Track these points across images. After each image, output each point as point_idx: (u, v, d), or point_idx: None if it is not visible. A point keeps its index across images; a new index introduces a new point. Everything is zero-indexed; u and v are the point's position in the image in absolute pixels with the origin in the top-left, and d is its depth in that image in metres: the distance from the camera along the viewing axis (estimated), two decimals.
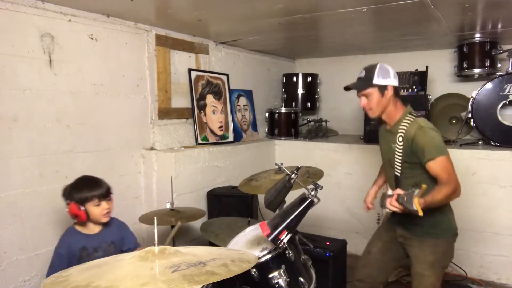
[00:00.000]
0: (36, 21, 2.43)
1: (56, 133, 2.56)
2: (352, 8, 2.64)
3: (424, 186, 1.74)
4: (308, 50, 4.56)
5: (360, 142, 3.99)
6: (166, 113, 3.30)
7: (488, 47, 3.61)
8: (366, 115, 3.92)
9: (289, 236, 1.77)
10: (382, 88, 2.08)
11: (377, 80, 2.08)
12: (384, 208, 2.00)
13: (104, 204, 2.01)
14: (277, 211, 1.95)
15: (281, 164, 2.18)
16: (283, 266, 1.83)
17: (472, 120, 3.45)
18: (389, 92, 2.09)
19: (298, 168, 1.95)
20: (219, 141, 3.74)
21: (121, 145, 2.99)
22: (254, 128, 4.33)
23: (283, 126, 4.38)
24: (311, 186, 1.88)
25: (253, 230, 2.16)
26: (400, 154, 2.08)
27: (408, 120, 2.08)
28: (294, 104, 4.59)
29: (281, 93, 4.79)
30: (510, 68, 3.42)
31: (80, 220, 1.98)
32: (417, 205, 1.74)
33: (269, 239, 1.77)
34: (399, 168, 2.11)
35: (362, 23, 3.13)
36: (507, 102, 3.36)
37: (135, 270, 1.13)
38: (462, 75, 3.91)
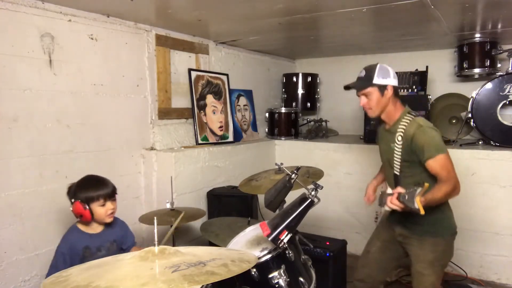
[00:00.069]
0: (36, 21, 2.43)
1: (56, 133, 2.56)
2: (352, 8, 2.64)
3: (426, 184, 1.74)
4: (308, 50, 4.56)
5: (360, 142, 3.99)
6: (166, 113, 3.30)
7: (488, 47, 3.61)
8: (366, 115, 3.92)
9: (289, 236, 1.77)
10: (382, 88, 2.09)
11: (377, 79, 2.09)
12: (383, 206, 2.00)
13: (109, 204, 2.01)
14: (277, 211, 1.95)
15: (281, 164, 2.18)
16: (283, 266, 1.83)
17: (472, 120, 3.45)
18: (389, 92, 2.10)
19: (298, 168, 1.95)
20: (219, 141, 3.74)
21: (121, 145, 2.99)
22: (254, 128, 4.33)
23: (283, 126, 4.38)
24: (311, 186, 1.88)
25: (253, 230, 2.16)
26: (399, 153, 2.08)
27: (407, 119, 2.09)
28: (294, 104, 4.59)
29: (281, 93, 4.79)
30: (510, 68, 3.42)
31: (84, 219, 1.98)
32: (419, 203, 1.74)
33: (269, 239, 1.77)
34: (398, 167, 2.11)
35: (362, 23, 3.13)
36: (507, 102, 3.36)
37: (135, 270, 1.13)
38: (462, 75, 3.91)
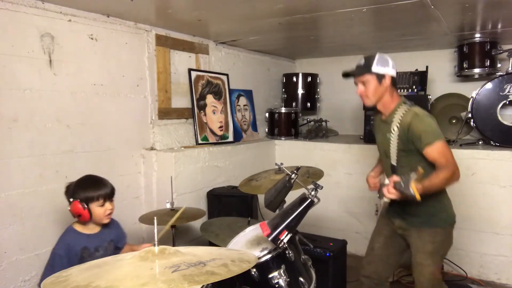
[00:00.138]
0: (36, 21, 2.43)
1: (56, 133, 2.56)
2: (352, 8, 2.64)
3: (420, 169, 1.74)
4: (308, 50, 4.56)
5: (360, 142, 3.99)
6: (166, 113, 3.30)
7: (488, 47, 3.61)
8: (366, 115, 3.95)
9: (289, 236, 1.77)
10: (380, 76, 2.09)
11: (375, 68, 2.09)
12: (382, 198, 2.00)
13: (108, 205, 2.01)
14: (277, 211, 1.95)
15: (281, 164, 2.18)
16: (283, 266, 1.83)
17: (472, 120, 3.45)
18: (387, 81, 2.10)
19: (298, 168, 1.95)
20: (219, 141, 3.74)
21: (121, 145, 2.99)
22: (254, 128, 4.33)
23: (283, 126, 4.38)
24: (311, 186, 1.88)
25: (253, 230, 2.16)
26: (396, 143, 2.09)
27: (403, 109, 2.09)
28: (294, 104, 4.59)
29: (281, 93, 4.79)
30: (510, 68, 3.42)
31: (82, 219, 1.96)
32: (414, 189, 1.74)
33: (269, 239, 1.77)
34: (395, 157, 2.12)
35: (362, 23, 3.13)
36: (507, 102, 3.36)
37: (135, 270, 1.13)
38: (462, 75, 3.91)
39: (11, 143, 2.34)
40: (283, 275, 1.81)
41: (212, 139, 3.66)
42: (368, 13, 2.74)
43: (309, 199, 1.84)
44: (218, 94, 3.81)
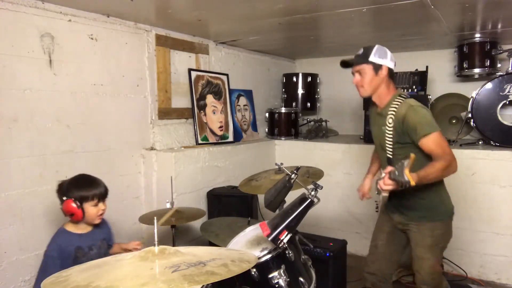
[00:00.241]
0: (36, 21, 2.43)
1: (56, 133, 2.56)
2: (352, 8, 2.64)
3: (412, 155, 1.73)
4: (308, 50, 4.56)
5: (360, 142, 3.99)
6: (166, 113, 3.30)
7: (488, 47, 3.61)
8: (366, 115, 3.95)
9: (289, 236, 1.77)
10: (377, 67, 2.09)
11: (373, 58, 2.09)
12: (380, 193, 1.99)
13: (101, 205, 2.01)
14: (277, 211, 1.95)
15: (281, 164, 2.18)
16: (283, 266, 1.83)
17: (472, 120, 3.45)
18: (383, 72, 2.10)
19: (298, 168, 1.95)
20: (219, 141, 3.74)
21: (121, 145, 2.99)
22: (254, 128, 4.33)
23: (283, 126, 4.38)
24: (311, 186, 1.88)
25: (253, 230, 2.16)
26: (391, 135, 2.08)
27: (398, 101, 2.09)
28: (294, 104, 4.59)
29: (281, 93, 4.79)
30: (510, 68, 3.42)
31: (74, 218, 1.95)
32: (408, 175, 1.73)
33: (269, 239, 1.77)
34: (391, 149, 2.11)
35: (362, 23, 3.13)
36: (507, 102, 3.36)
37: (135, 270, 1.13)
38: (462, 75, 3.91)
39: (11, 143, 2.34)
40: (283, 275, 1.81)
41: (212, 139, 3.66)
42: (368, 13, 2.74)
43: (309, 199, 1.84)
44: (218, 94, 3.81)
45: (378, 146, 2.28)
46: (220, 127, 3.79)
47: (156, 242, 1.23)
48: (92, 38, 2.75)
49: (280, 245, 1.77)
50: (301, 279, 1.89)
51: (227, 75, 3.93)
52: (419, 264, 2.18)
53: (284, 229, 1.77)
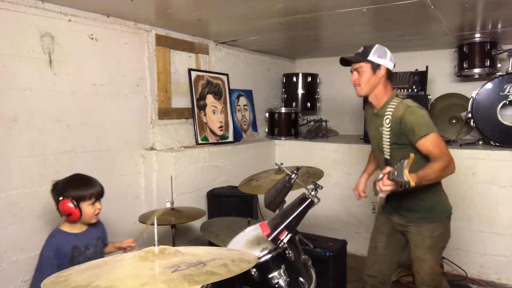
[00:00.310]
0: (36, 21, 2.43)
1: (56, 133, 2.56)
2: (352, 8, 2.64)
3: (412, 155, 1.73)
4: (308, 50, 4.56)
5: (360, 142, 3.99)
6: (166, 113, 3.30)
7: (488, 47, 3.61)
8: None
9: (289, 236, 1.77)
10: (375, 66, 2.09)
11: (372, 57, 2.08)
12: (378, 195, 1.99)
13: (97, 204, 2.01)
14: (277, 211, 1.95)
15: (281, 164, 2.18)
16: (283, 266, 1.83)
17: (472, 120, 3.45)
18: (381, 72, 2.09)
19: (298, 168, 1.95)
20: (219, 141, 3.74)
21: (121, 145, 2.99)
22: (254, 128, 4.33)
23: (283, 126, 4.38)
24: (311, 186, 1.88)
25: (253, 230, 2.16)
26: (388, 136, 2.08)
27: (395, 102, 2.09)
28: (294, 104, 4.59)
29: (281, 93, 4.79)
30: (510, 68, 3.42)
31: (71, 218, 1.94)
32: (407, 175, 1.72)
33: (269, 239, 1.77)
34: (388, 150, 2.11)
35: (362, 23, 3.13)
36: (507, 102, 3.36)
37: (135, 270, 1.13)
38: (462, 75, 3.91)
39: (11, 143, 2.34)
40: (283, 275, 1.81)
41: (212, 139, 3.66)
42: (368, 13, 2.74)
43: (309, 199, 1.84)
44: (218, 94, 3.81)
45: (375, 147, 2.28)
46: (220, 127, 3.79)
47: (156, 242, 1.23)
48: (92, 38, 2.75)
49: (280, 245, 1.77)
50: (301, 279, 1.89)
51: (227, 75, 3.93)
52: (419, 265, 2.18)
53: (284, 229, 1.77)
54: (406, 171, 1.72)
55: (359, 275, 2.46)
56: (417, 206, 2.11)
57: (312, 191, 1.86)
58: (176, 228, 2.58)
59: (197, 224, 2.80)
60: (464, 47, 3.72)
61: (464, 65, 3.74)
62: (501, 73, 3.46)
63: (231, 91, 3.97)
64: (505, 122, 3.37)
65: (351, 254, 3.29)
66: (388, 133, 2.07)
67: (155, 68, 3.20)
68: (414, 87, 3.88)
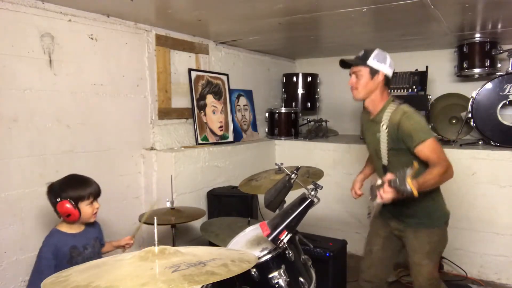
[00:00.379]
0: (36, 21, 2.43)
1: (56, 133, 2.56)
2: (352, 8, 2.64)
3: (416, 164, 1.72)
4: (308, 50, 4.56)
5: (360, 142, 3.99)
6: (166, 113, 3.30)
7: (488, 47, 3.61)
8: None
9: (289, 236, 1.77)
10: (374, 71, 2.08)
11: (371, 61, 2.08)
12: (374, 200, 1.98)
13: (95, 204, 2.01)
14: (277, 211, 1.95)
15: (281, 164, 2.18)
16: (283, 266, 1.83)
17: (472, 120, 3.45)
18: (379, 78, 2.08)
19: (298, 168, 1.95)
20: (219, 141, 3.74)
21: (121, 145, 2.99)
22: (254, 128, 4.33)
23: (283, 126, 4.38)
24: (311, 186, 1.88)
25: (253, 230, 2.16)
26: (386, 142, 2.07)
27: (392, 107, 2.08)
28: (294, 104, 4.59)
29: (281, 93, 4.79)
30: (510, 68, 3.42)
31: (71, 219, 1.94)
32: (410, 185, 1.71)
33: (269, 239, 1.77)
34: (386, 156, 2.10)
35: (362, 23, 3.13)
36: (507, 102, 3.36)
37: (135, 270, 1.13)
38: (462, 75, 3.91)
39: (11, 143, 2.34)
40: (283, 275, 1.81)
41: (212, 139, 3.66)
42: (368, 13, 2.74)
43: (309, 199, 1.84)
44: (218, 94, 3.81)
45: (372, 153, 2.27)
46: (220, 127, 3.79)
47: (156, 242, 1.23)
48: (92, 38, 2.75)
49: (280, 245, 1.77)
50: (301, 279, 1.89)
51: (227, 75, 3.93)
52: (417, 270, 2.17)
53: (284, 229, 1.77)
54: (409, 180, 1.71)
55: (359, 279, 2.46)
56: (415, 212, 2.10)
57: (312, 191, 1.86)
58: (176, 228, 2.58)
59: (197, 224, 2.80)
60: (464, 47, 3.72)
61: (464, 65, 3.74)
62: (501, 73, 3.46)
63: (231, 91, 3.97)
64: (505, 122, 3.37)
65: (351, 254, 3.29)
66: (386, 138, 2.07)
67: (155, 68, 3.20)
68: (414, 87, 3.88)
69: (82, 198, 1.95)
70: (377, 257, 2.34)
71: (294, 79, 4.61)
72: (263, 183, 2.36)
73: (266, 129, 4.53)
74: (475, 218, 3.33)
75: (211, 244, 2.41)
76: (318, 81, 4.71)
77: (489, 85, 3.41)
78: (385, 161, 2.12)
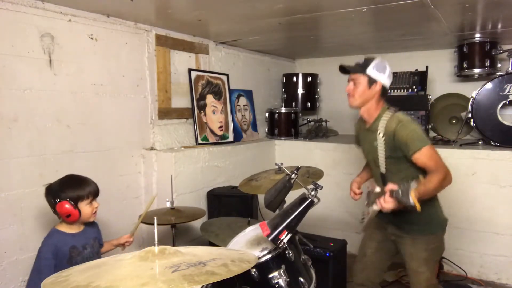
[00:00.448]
0: (36, 21, 2.43)
1: (56, 133, 2.56)
2: (352, 8, 2.64)
3: (421, 178, 1.72)
4: (308, 50, 4.57)
5: None
6: (166, 113, 3.30)
7: (488, 47, 3.61)
8: None
9: (289, 236, 1.77)
10: (372, 81, 2.08)
11: (370, 70, 2.07)
12: (371, 206, 1.98)
13: (95, 203, 2.01)
14: (277, 211, 1.95)
15: (281, 164, 2.18)
16: (283, 266, 1.83)
17: (472, 120, 3.45)
18: (376, 88, 2.08)
19: (298, 168, 1.95)
20: (219, 141, 3.74)
21: (121, 145, 2.99)
22: (254, 128, 4.33)
23: (283, 126, 4.38)
24: (311, 186, 1.88)
25: (253, 230, 2.16)
26: (383, 150, 2.07)
27: (387, 115, 2.08)
28: (294, 104, 4.59)
29: (281, 93, 4.79)
30: (510, 68, 3.42)
31: (71, 219, 1.94)
32: (414, 199, 1.71)
33: (269, 239, 1.77)
34: (384, 164, 2.10)
35: (362, 23, 3.13)
36: (507, 102, 3.36)
37: (135, 270, 1.13)
38: (462, 75, 3.91)
39: (11, 143, 2.34)
40: (283, 275, 1.81)
41: (212, 139, 3.66)
42: (368, 13, 2.74)
43: (309, 199, 1.84)
44: (218, 94, 3.81)
45: (371, 161, 2.26)
46: (220, 127, 3.79)
47: (156, 242, 1.23)
48: (92, 38, 2.75)
49: (280, 245, 1.77)
50: (301, 279, 1.89)
51: (227, 75, 3.93)
52: (415, 278, 2.16)
53: (284, 229, 1.77)
54: (412, 194, 1.70)
55: (352, 283, 2.45)
56: (414, 218, 2.08)
57: (312, 191, 1.86)
58: (176, 228, 2.58)
59: (197, 224, 2.80)
60: (464, 47, 3.72)
61: (464, 65, 3.74)
62: (501, 73, 3.46)
63: (231, 91, 3.97)
64: (505, 122, 3.37)
65: (351, 254, 3.28)
66: (383, 146, 2.06)
67: (155, 68, 3.20)
68: (414, 87, 3.88)
69: (82, 198, 1.95)
70: (370, 261, 2.33)
71: (294, 79, 4.61)
72: (263, 183, 2.36)
73: (266, 129, 4.53)
74: (475, 218, 3.33)
75: (211, 244, 2.41)
76: (318, 81, 4.71)
77: (489, 85, 3.41)
78: (383, 169, 2.12)
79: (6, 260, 2.35)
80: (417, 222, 2.09)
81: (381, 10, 2.67)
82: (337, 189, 3.94)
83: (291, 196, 1.91)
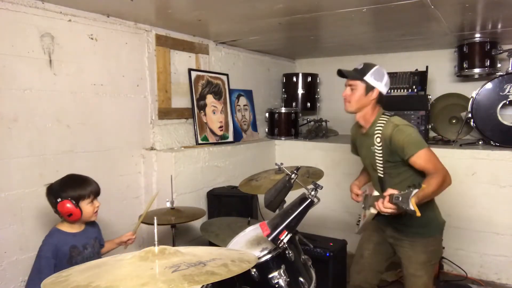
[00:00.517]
0: (36, 21, 2.43)
1: (56, 133, 2.56)
2: (352, 8, 2.64)
3: (424, 186, 1.72)
4: (308, 50, 4.57)
5: None
6: (166, 113, 3.30)
7: (488, 47, 3.61)
8: None
9: (289, 236, 1.77)
10: (369, 88, 2.08)
11: (368, 77, 2.08)
12: (367, 209, 1.98)
13: (96, 202, 2.02)
14: (277, 211, 1.95)
15: (281, 164, 2.18)
16: (283, 266, 1.83)
17: (472, 120, 3.45)
18: (373, 95, 2.09)
19: (298, 168, 1.95)
20: (219, 141, 3.74)
21: (121, 145, 2.99)
22: (254, 128, 4.33)
23: (283, 126, 4.38)
24: (311, 186, 1.88)
25: (253, 230, 2.16)
26: (380, 155, 2.08)
27: (383, 120, 2.08)
28: (294, 104, 4.59)
29: (281, 93, 4.79)
30: (510, 68, 3.42)
31: (72, 219, 1.94)
32: (414, 205, 1.71)
33: (269, 239, 1.77)
34: (382, 168, 2.11)
35: (362, 23, 3.13)
36: (507, 102, 3.36)
37: (135, 270, 1.13)
38: (462, 75, 3.91)
39: (11, 143, 2.34)
40: (283, 275, 1.81)
41: (212, 139, 3.66)
42: (368, 13, 2.74)
43: (309, 199, 1.84)
44: (218, 94, 3.81)
45: (368, 166, 2.26)
46: (220, 127, 3.79)
47: (156, 242, 1.23)
48: (92, 38, 2.75)
49: (280, 245, 1.77)
50: (301, 279, 1.89)
51: (227, 75, 3.93)
52: (413, 282, 2.16)
53: (284, 229, 1.77)
54: (413, 200, 1.70)
55: (349, 285, 2.45)
56: (412, 221, 2.07)
57: (312, 191, 1.86)
58: (176, 228, 2.58)
59: (197, 224, 2.81)
60: (464, 47, 3.72)
61: (464, 65, 3.74)
62: (501, 73, 3.46)
63: (231, 91, 3.97)
64: (505, 122, 3.37)
65: (351, 254, 3.28)
66: (380, 151, 2.07)
67: (155, 68, 3.20)
68: (414, 87, 3.88)
69: (83, 197, 1.95)
70: (367, 263, 2.33)
71: (294, 79, 4.61)
72: (263, 183, 2.36)
73: (266, 129, 4.53)
74: (475, 218, 3.33)
75: (211, 244, 2.41)
76: (318, 81, 4.71)
77: (489, 85, 3.41)
78: (381, 173, 2.12)
79: (6, 260, 2.35)
80: (416, 225, 2.09)
81: (381, 10, 2.67)
82: (337, 189, 3.93)
83: (291, 196, 1.91)
